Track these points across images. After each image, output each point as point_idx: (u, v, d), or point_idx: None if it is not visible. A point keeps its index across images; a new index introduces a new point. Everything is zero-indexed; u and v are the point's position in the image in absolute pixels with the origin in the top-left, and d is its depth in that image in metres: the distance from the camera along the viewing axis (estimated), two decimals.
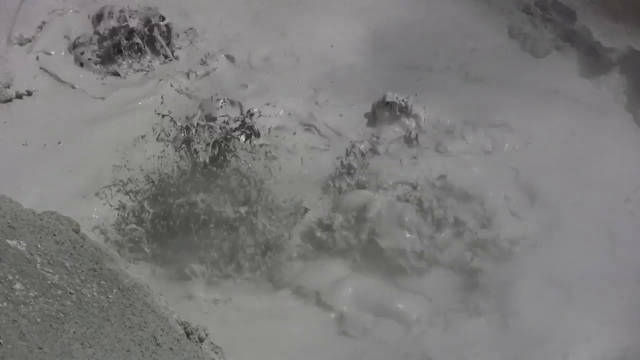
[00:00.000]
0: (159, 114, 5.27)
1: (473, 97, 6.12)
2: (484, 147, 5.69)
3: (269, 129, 5.54)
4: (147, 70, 6.32)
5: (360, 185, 5.39)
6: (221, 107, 5.82)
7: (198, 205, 5.04)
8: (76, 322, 3.04)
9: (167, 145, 5.33)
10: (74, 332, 2.98)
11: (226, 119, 5.41)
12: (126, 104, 6.01)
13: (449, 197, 5.27)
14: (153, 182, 5.34)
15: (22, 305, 2.92)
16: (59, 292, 3.12)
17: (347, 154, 5.48)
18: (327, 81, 6.13)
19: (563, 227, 5.15)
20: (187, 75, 6.25)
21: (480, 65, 6.41)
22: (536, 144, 5.79)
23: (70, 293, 3.15)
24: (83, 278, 3.27)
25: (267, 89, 6.01)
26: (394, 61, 6.45)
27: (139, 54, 6.35)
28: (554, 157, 5.66)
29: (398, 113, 5.79)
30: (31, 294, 3.00)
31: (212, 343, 3.58)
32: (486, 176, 5.47)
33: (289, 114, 5.79)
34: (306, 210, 5.31)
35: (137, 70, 6.32)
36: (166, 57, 6.40)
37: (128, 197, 5.34)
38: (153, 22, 6.40)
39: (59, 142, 5.61)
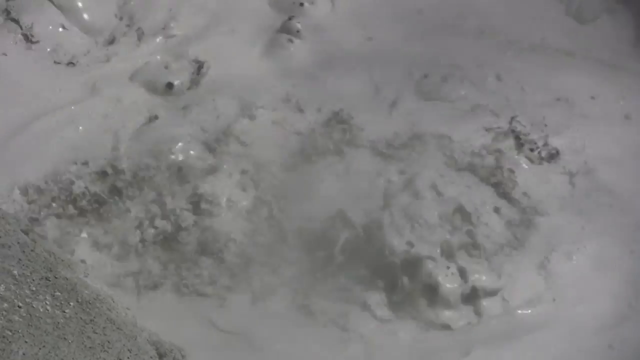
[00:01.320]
0: None
1: (506, 70, 5.83)
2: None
3: None
4: None
5: None
6: None
7: None
8: (26, 342, 2.96)
9: None
10: (24, 354, 2.92)
11: None
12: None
13: None
14: None
15: None
16: (5, 305, 3.03)
17: None
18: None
19: None
20: None
21: (515, 31, 6.11)
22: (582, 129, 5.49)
23: (18, 307, 3.07)
24: (34, 289, 3.19)
25: None
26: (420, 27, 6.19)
27: None
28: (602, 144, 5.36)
29: None
30: None
31: None
32: None
33: None
34: None
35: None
36: None
37: None
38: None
39: None
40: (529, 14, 6.23)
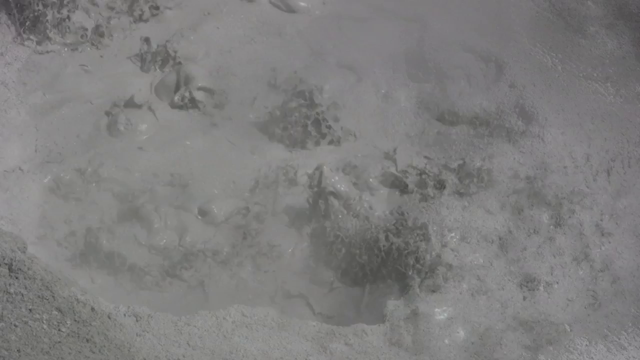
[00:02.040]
0: None
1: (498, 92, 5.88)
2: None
3: None
4: None
5: None
6: None
7: None
8: None
9: None
10: None
11: None
12: None
13: None
14: None
15: None
16: (1, 324, 3.06)
17: None
18: None
19: None
20: None
21: (508, 49, 6.14)
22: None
23: (14, 325, 3.09)
24: (31, 307, 3.19)
25: None
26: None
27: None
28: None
29: None
30: None
31: None
32: None
33: None
34: None
35: None
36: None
37: None
38: None
39: None
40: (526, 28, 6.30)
